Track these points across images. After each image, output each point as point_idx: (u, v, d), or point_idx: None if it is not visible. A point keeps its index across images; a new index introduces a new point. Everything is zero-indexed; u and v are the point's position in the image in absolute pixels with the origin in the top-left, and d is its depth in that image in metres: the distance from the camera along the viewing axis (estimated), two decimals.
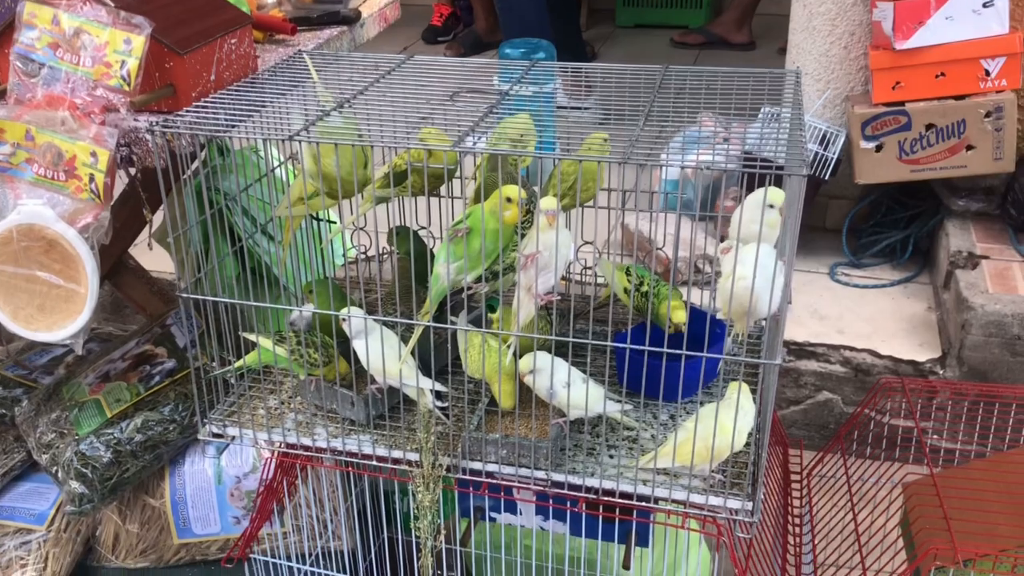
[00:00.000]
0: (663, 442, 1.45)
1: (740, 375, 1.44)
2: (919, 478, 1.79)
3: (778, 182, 1.56)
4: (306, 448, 1.57)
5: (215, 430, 1.58)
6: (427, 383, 1.46)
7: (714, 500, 1.41)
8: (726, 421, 1.36)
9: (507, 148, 1.37)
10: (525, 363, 1.43)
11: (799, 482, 2.04)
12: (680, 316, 1.51)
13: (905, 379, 1.94)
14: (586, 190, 1.57)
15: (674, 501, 1.43)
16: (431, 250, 1.70)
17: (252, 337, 1.53)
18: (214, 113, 1.41)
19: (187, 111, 1.41)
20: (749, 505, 1.39)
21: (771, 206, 1.36)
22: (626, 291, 1.67)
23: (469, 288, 1.40)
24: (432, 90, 1.50)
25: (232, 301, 1.47)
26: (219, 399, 1.62)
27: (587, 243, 1.76)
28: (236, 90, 1.52)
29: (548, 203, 1.35)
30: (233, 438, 1.58)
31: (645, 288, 1.61)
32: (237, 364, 1.56)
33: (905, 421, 1.96)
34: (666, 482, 1.44)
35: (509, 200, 1.35)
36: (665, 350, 1.33)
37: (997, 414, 1.87)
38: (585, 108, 1.73)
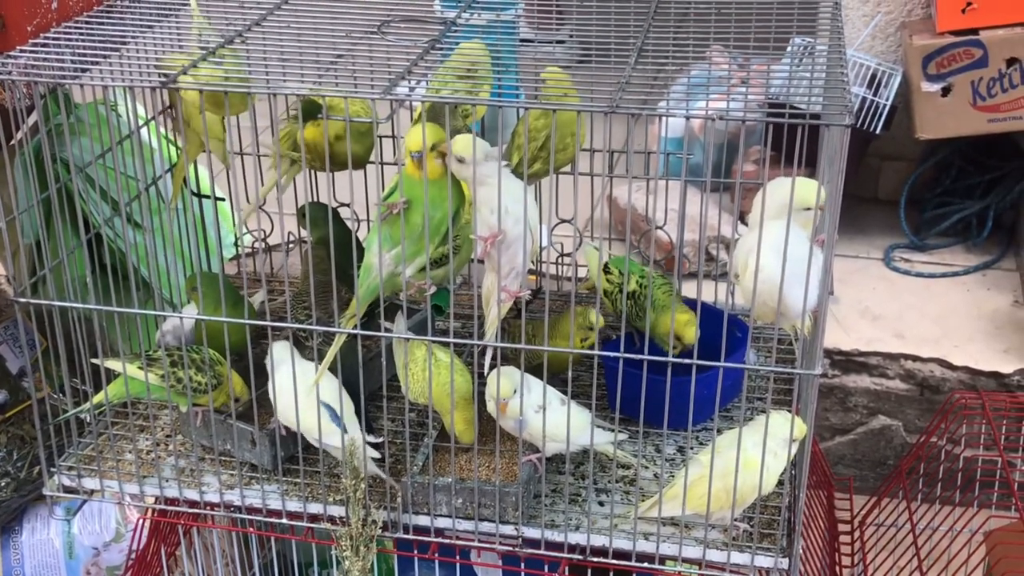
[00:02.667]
0: (670, 483, 1.49)
1: (769, 392, 1.48)
2: (1006, 524, 1.85)
3: (813, 138, 1.60)
4: (191, 504, 1.58)
5: (67, 482, 1.58)
6: (357, 432, 1.46)
7: (738, 557, 1.45)
8: (752, 453, 1.40)
9: (452, 94, 1.40)
10: (497, 387, 1.45)
11: (849, 534, 2.09)
12: (691, 334, 1.54)
13: (986, 395, 1.99)
14: (562, 150, 1.60)
15: (685, 560, 1.46)
16: (356, 235, 1.72)
17: (115, 365, 1.54)
18: (58, 53, 1.42)
19: (21, 51, 1.42)
20: (784, 563, 1.43)
21: (806, 209, 1.40)
22: (608, 294, 1.70)
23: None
24: (353, 19, 1.53)
25: (88, 307, 1.47)
26: (70, 441, 1.62)
27: (564, 222, 1.80)
28: (87, 22, 1.53)
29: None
30: (91, 492, 1.58)
31: (634, 287, 1.63)
32: (96, 398, 1.56)
33: (987, 452, 2.02)
34: (674, 535, 1.47)
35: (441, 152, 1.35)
36: (670, 359, 1.37)
37: None
38: (557, 42, 1.77)
